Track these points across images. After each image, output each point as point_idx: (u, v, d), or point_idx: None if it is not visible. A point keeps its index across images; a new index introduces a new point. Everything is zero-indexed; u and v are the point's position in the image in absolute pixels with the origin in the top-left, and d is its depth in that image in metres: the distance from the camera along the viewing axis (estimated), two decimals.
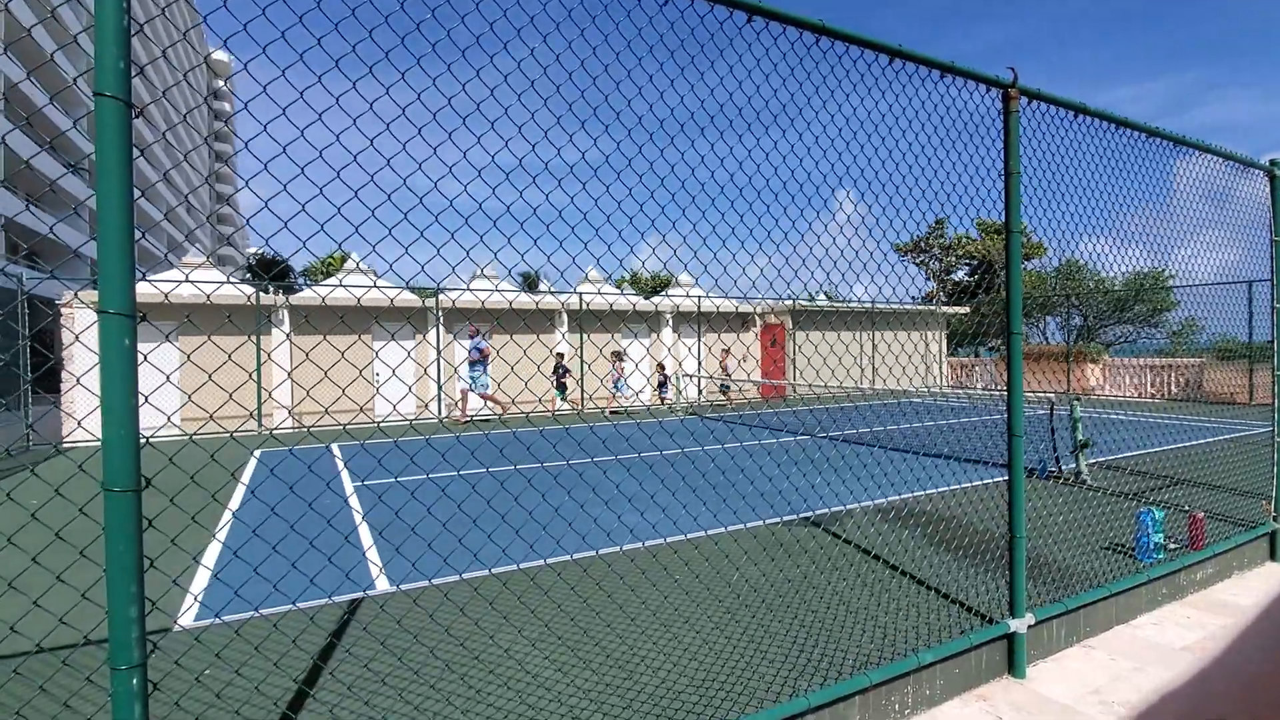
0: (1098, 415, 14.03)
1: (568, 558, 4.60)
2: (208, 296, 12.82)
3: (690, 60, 2.90)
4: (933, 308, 24.18)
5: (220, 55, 70.17)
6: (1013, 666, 3.43)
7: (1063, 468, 7.53)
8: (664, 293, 21.15)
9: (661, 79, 2.66)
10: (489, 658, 3.28)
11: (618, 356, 15.72)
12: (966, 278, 37.55)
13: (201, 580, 4.40)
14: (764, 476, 7.34)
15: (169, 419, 2.01)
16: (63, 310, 12.64)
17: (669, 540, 4.98)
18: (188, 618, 3.89)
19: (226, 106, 76.33)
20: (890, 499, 6.40)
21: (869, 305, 20.95)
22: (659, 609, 3.83)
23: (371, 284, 2.74)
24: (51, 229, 1.80)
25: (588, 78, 2.59)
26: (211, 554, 5.07)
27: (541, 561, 4.51)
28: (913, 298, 5.49)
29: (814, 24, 2.71)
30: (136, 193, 1.66)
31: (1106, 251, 4.14)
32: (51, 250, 32.29)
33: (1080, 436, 7.12)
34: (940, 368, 24.11)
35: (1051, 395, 7.84)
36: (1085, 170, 3.79)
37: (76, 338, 2.10)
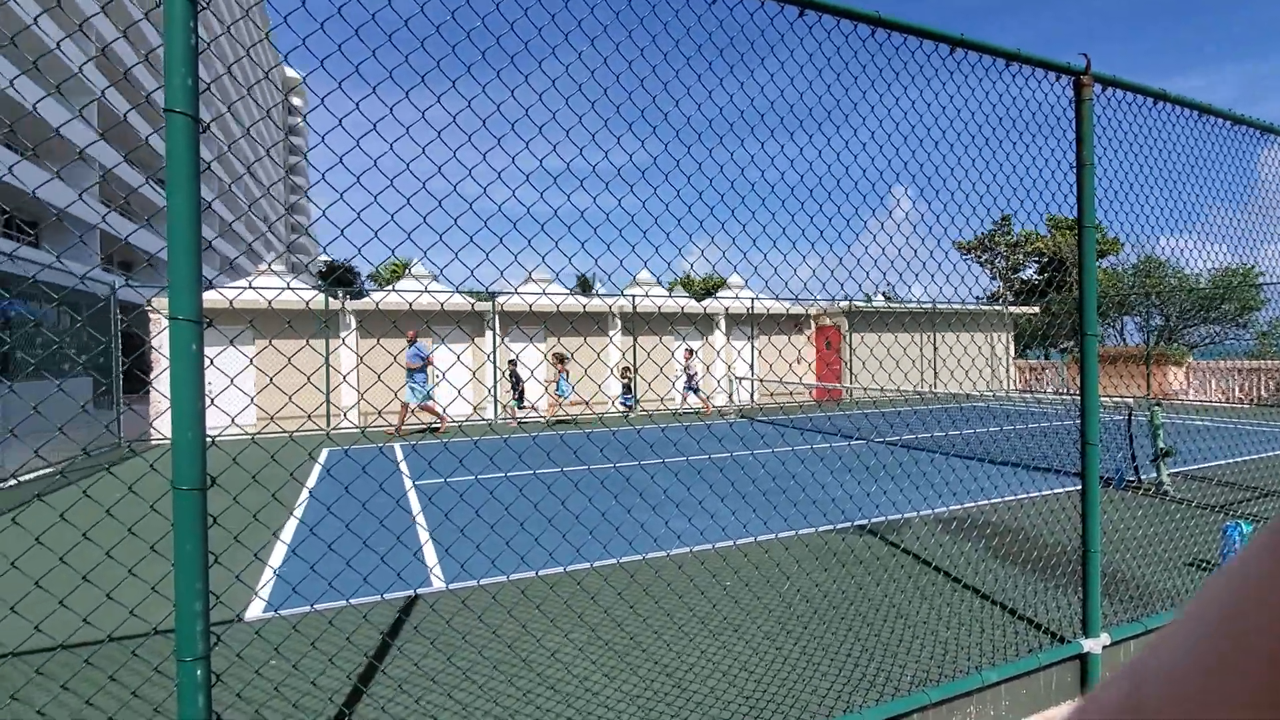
0: (1180, 421, 13.15)
1: (614, 562, 4.59)
2: (269, 303, 13.44)
3: (740, 57, 2.85)
4: (999, 308, 23.18)
5: (291, 72, 73.74)
6: (1086, 689, 3.23)
7: (1142, 478, 7.08)
8: (716, 295, 21.01)
9: (710, 79, 2.62)
10: (536, 661, 3.29)
11: (560, 360, 14.38)
12: (1035, 276, 35.91)
13: (265, 576, 4.60)
14: (816, 483, 7.17)
15: (233, 420, 2.09)
16: (149, 315, 13.50)
17: (717, 546, 4.91)
18: (253, 611, 4.07)
19: (299, 121, 79.98)
20: (952, 508, 6.14)
21: (930, 305, 20.29)
22: (707, 617, 3.77)
23: (423, 289, 2.80)
24: (125, 238, 1.90)
25: (635, 79, 2.57)
26: (277, 551, 5.29)
27: (588, 565, 4.53)
28: (976, 297, 5.28)
29: (869, 16, 2.62)
30: (215, 202, 1.73)
31: (1189, 247, 3.86)
32: (141, 259, 34.52)
33: (1161, 444, 6.67)
34: (1007, 371, 23.10)
35: (1129, 400, 7.38)
36: (1164, 161, 3.54)
37: (136, 339, 2.21)
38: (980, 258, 37.43)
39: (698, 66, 2.61)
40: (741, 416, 15.96)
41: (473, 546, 3.67)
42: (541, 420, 15.45)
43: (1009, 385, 23.05)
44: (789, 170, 2.90)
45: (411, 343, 13.00)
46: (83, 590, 3.47)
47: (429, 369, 12.94)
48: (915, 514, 5.93)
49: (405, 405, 12.93)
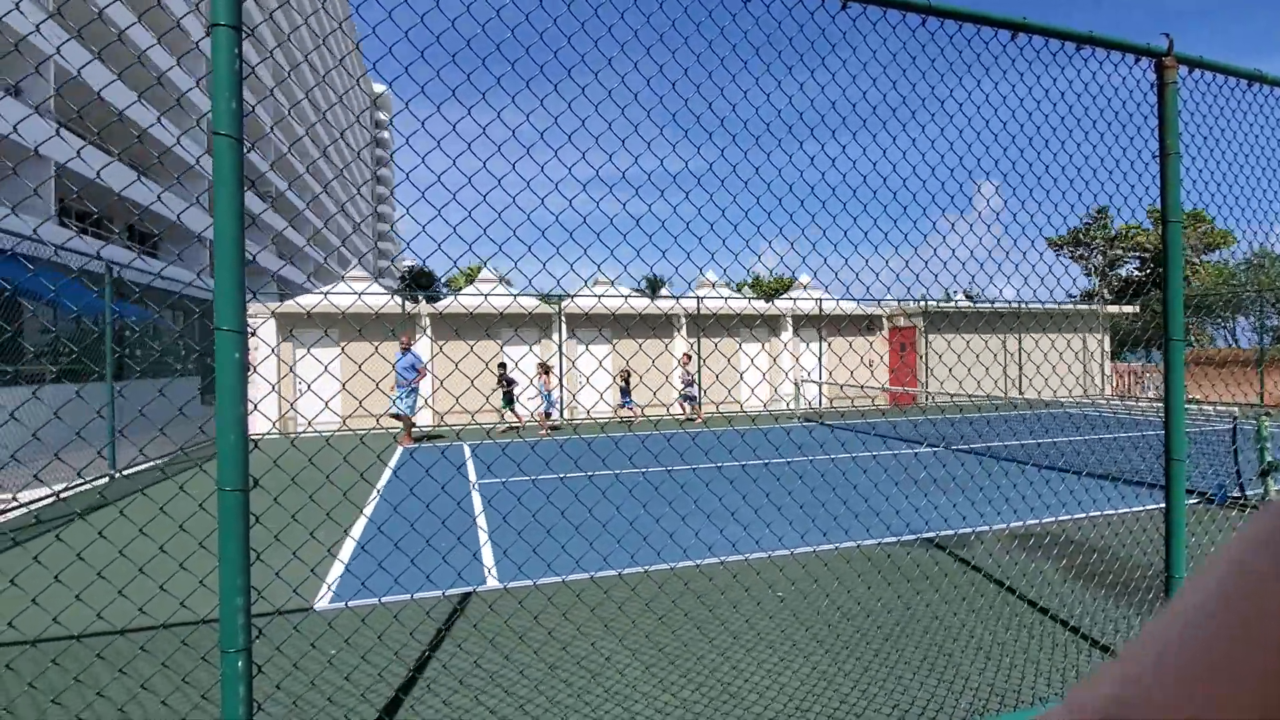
0: None
1: (667, 567, 4.56)
2: (342, 312, 14.17)
3: (799, 58, 2.77)
4: (1093, 307, 21.60)
5: (379, 87, 77.73)
6: None
7: (1247, 494, 6.42)
8: (785, 295, 20.59)
9: (768, 81, 2.58)
10: (591, 663, 3.31)
11: (545, 369, 13.44)
12: (1135, 272, 33.30)
13: (335, 569, 4.84)
14: (880, 493, 6.89)
15: (309, 423, 2.21)
16: (251, 322, 14.52)
17: (773, 555, 4.81)
18: (323, 602, 4.28)
19: (385, 135, 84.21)
20: (1029, 522, 5.76)
21: (1015, 305, 19.16)
22: (763, 628, 3.69)
23: (490, 291, 2.88)
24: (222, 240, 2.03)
25: (691, 85, 2.55)
26: (347, 546, 5.56)
27: (643, 569, 4.52)
28: (1070, 296, 4.93)
29: (919, 4, 2.48)
30: (309, 212, 1.83)
31: None
32: (251, 270, 37.17)
33: (1270, 457, 6.02)
34: (1102, 375, 21.49)
35: (1235, 408, 6.70)
36: (1269, 148, 3.18)
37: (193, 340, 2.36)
38: (1074, 253, 35.08)
39: (755, 70, 2.57)
40: (807, 420, 15.56)
41: (530, 548, 3.73)
42: (538, 429, 14.34)
43: (1104, 390, 21.44)
44: (851, 171, 2.82)
45: (405, 350, 11.43)
46: (140, 581, 3.77)
47: (419, 380, 11.49)
48: (988, 528, 5.60)
49: (402, 416, 11.73)
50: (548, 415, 13.84)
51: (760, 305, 19.12)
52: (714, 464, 8.81)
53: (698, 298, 11.89)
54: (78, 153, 2.20)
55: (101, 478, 8.90)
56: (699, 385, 15.50)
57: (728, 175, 2.75)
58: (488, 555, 5.21)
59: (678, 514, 3.89)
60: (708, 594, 4.19)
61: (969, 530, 5.56)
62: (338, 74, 53.54)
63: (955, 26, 2.58)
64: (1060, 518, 5.89)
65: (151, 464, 10.08)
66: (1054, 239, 33.45)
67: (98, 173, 2.17)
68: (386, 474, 9.00)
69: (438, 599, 4.23)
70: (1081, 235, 34.22)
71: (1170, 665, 0.28)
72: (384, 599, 4.09)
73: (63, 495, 7.80)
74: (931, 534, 5.46)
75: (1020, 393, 19.92)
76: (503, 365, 13.70)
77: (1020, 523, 5.77)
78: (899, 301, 4.10)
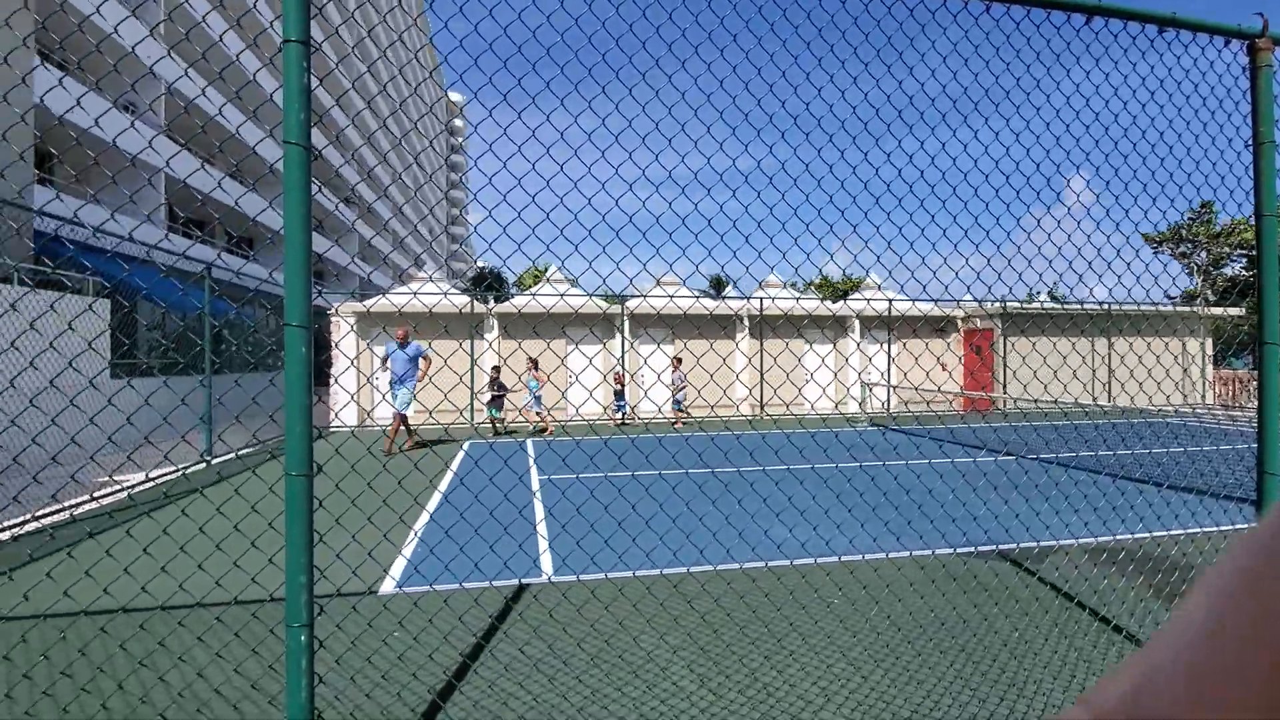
0: None
1: (711, 568, 4.54)
2: (400, 313, 14.73)
3: (876, 53, 2.72)
4: (1193, 309, 20.00)
5: (455, 95, 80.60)
6: None
7: None
8: (849, 297, 20.06)
9: (843, 78, 2.56)
10: (632, 658, 3.35)
11: (532, 364, 12.75)
12: (1243, 271, 30.61)
13: (391, 555, 5.07)
14: (934, 500, 6.63)
15: (362, 416, 2.34)
16: (331, 319, 15.39)
17: (819, 560, 4.71)
18: (386, 586, 4.49)
19: (460, 141, 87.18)
20: (1104, 539, 5.41)
21: (1106, 306, 17.98)
22: (809, 633, 3.63)
23: (560, 294, 2.98)
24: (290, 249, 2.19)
25: (764, 85, 2.55)
26: (408, 535, 5.81)
27: (685, 570, 4.53)
28: (1168, 296, 4.62)
29: None
30: (387, 214, 1.96)
31: None
32: (329, 269, 39.37)
33: None
34: (1203, 381, 19.87)
35: None
36: None
37: (324, 340, 2.53)
38: (1175, 250, 32.60)
39: (830, 66, 2.56)
40: (873, 425, 15.11)
41: (585, 541, 3.81)
42: (543, 428, 13.90)
43: (1204, 398, 19.81)
44: (929, 167, 2.75)
45: (403, 344, 10.13)
46: (217, 557, 4.07)
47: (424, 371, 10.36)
48: (1073, 540, 5.29)
49: (399, 416, 10.17)
50: (537, 415, 13.32)
51: (828, 305, 18.69)
52: (783, 465, 8.69)
53: (761, 298, 11.74)
54: (198, 165, 2.40)
55: (198, 464, 9.63)
56: (685, 389, 14.93)
57: (800, 173, 2.73)
58: (540, 546, 5.33)
59: (721, 512, 3.88)
60: (751, 594, 4.16)
61: (1051, 542, 5.27)
62: (411, 84, 55.65)
63: (1023, 11, 2.47)
64: (1145, 534, 5.51)
65: (247, 450, 10.82)
66: (1151, 235, 31.16)
67: (206, 185, 2.36)
68: (453, 466, 9.34)
69: (485, 587, 4.36)
70: (1184, 232, 31.77)
71: (1183, 665, 0.28)
72: (438, 586, 4.26)
73: (159, 480, 8.48)
74: (1008, 545, 5.21)
75: (1110, 399, 18.66)
76: (496, 368, 13.40)
77: (1104, 537, 5.42)
78: (978, 302, 3.96)
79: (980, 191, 2.78)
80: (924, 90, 2.70)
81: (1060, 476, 8.21)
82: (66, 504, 6.78)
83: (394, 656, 3.35)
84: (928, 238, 3.01)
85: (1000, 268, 3.07)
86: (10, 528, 5.90)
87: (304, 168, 1.93)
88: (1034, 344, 4.53)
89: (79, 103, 2.22)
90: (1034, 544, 5.24)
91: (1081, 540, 5.32)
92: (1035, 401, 5.01)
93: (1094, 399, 18.60)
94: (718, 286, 34.84)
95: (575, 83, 2.49)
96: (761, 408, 17.21)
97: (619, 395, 15.29)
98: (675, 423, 15.27)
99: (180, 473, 9.06)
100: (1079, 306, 19.02)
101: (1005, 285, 3.08)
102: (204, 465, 9.65)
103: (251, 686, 2.97)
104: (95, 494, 7.29)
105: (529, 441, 12.30)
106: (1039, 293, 23.28)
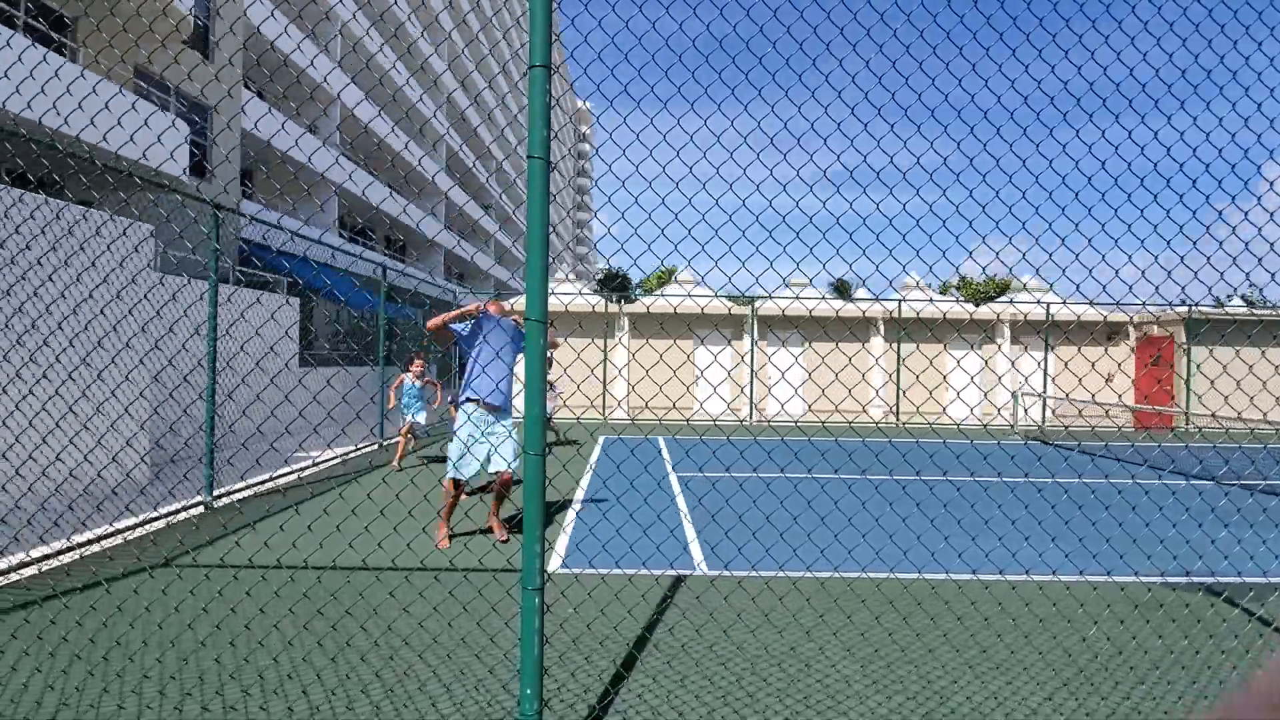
0: None
1: (888, 575, 4.45)
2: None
3: (1052, 38, 2.61)
4: None
5: (583, 105, 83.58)
6: None
7: None
8: (998, 299, 18.61)
9: (1013, 67, 2.47)
10: (804, 652, 3.37)
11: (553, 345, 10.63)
12: None
13: (561, 541, 5.40)
14: (1112, 521, 6.01)
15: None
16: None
17: (1007, 576, 4.47)
18: (552, 564, 4.80)
19: (587, 148, 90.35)
20: None
21: None
22: (990, 647, 3.47)
23: (686, 294, 3.09)
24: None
25: (925, 79, 2.52)
26: (570, 519, 6.15)
27: (859, 572, 4.47)
28: None
29: None
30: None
31: None
32: (472, 271, 42.26)
33: None
34: None
35: None
36: None
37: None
38: None
39: (998, 55, 2.47)
40: (1029, 439, 13.93)
41: (738, 537, 3.88)
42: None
43: None
44: (1113, 159, 2.58)
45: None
46: (462, 524, 4.49)
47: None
48: None
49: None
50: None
51: (969, 309, 17.48)
52: (944, 475, 8.29)
53: (899, 300, 11.21)
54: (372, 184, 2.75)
55: (372, 444, 10.75)
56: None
57: (936, 168, 2.65)
58: (689, 534, 5.46)
59: (898, 515, 3.79)
60: (929, 601, 4.04)
61: (1259, 579, 4.66)
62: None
63: None
64: None
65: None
66: None
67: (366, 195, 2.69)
68: (593, 458, 9.74)
69: (646, 575, 4.53)
70: None
71: None
72: (599, 570, 4.49)
73: (345, 455, 9.55)
74: (1203, 578, 4.67)
75: None
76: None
77: None
78: (1166, 306, 3.61)
79: (1148, 182, 2.54)
80: (1107, 75, 2.52)
81: (1269, 503, 7.19)
82: (280, 472, 7.83)
83: (568, 639, 3.55)
84: (1082, 233, 2.80)
85: (1194, 268, 2.76)
86: (242, 490, 6.91)
87: (544, 178, 2.14)
88: (1238, 354, 4.02)
89: (283, 127, 2.60)
90: (1236, 577, 4.65)
91: None
92: (1222, 422, 4.43)
93: None
94: (841, 290, 33.57)
95: (705, 86, 2.57)
96: (896, 416, 16.41)
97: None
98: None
99: (358, 451, 10.16)
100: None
101: (1181, 286, 2.79)
102: (377, 446, 10.75)
103: (490, 640, 3.31)
104: (292, 465, 8.36)
105: (660, 439, 12.54)
106: (1230, 297, 20.42)
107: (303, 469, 8.44)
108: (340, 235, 26.44)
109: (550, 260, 2.19)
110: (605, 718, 2.70)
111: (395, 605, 3.80)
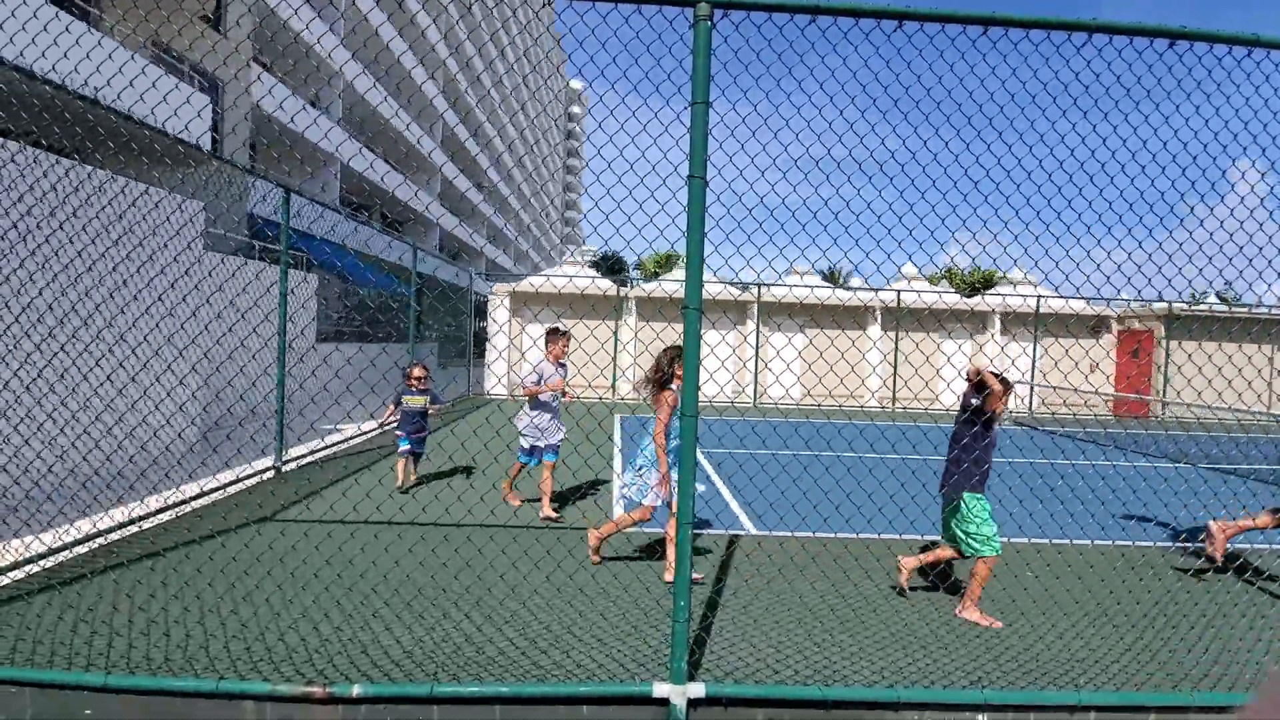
0: None
1: (898, 537, 5.03)
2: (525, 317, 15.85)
3: (1047, 37, 2.97)
4: None
5: (575, 83, 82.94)
6: None
7: None
8: (988, 292, 19.37)
9: (994, 57, 2.92)
10: (867, 596, 3.96)
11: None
12: None
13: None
14: (1116, 497, 6.70)
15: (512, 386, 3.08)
16: (489, 300, 16.99)
17: (1076, 541, 5.07)
18: None
19: (577, 128, 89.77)
20: None
21: None
22: (1008, 587, 4.08)
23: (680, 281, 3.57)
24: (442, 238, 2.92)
25: (911, 75, 2.96)
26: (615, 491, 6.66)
27: (877, 535, 5.01)
28: None
29: None
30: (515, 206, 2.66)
31: None
32: (464, 249, 42.27)
33: None
34: None
35: None
36: None
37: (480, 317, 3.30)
38: None
39: (1004, 48, 2.84)
40: (1017, 424, 14.72)
41: (776, 505, 4.41)
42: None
43: None
44: (1090, 156, 3.00)
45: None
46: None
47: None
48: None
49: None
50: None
51: (967, 300, 18.21)
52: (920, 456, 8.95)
53: (897, 291, 11.79)
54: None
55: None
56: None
57: (928, 162, 3.07)
58: (730, 501, 6.02)
59: (908, 491, 4.35)
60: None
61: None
62: (536, 77, 57.68)
63: None
64: None
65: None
66: None
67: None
68: (615, 435, 10.26)
69: (710, 538, 5.08)
70: None
71: None
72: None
73: (367, 432, 9.98)
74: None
75: None
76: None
77: None
78: (1147, 302, 4.12)
79: (1125, 181, 2.96)
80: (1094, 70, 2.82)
81: (1239, 487, 7.94)
82: (330, 441, 8.25)
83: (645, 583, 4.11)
84: (1057, 242, 3.20)
85: (1162, 265, 3.03)
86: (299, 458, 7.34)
87: (702, 196, 2.63)
88: (1213, 351, 4.61)
89: (281, 105, 3.04)
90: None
91: None
92: (1193, 410, 5.06)
93: (1268, 408, 17.01)
94: (833, 279, 34.24)
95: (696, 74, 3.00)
96: (894, 401, 17.14)
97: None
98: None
99: (381, 429, 10.58)
100: (1268, 310, 17.40)
101: (1165, 281, 3.22)
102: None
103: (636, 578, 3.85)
104: (341, 434, 8.79)
105: None
106: (1205, 294, 21.39)
107: (349, 438, 8.89)
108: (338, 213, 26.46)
109: (551, 249, 2.68)
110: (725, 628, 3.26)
111: (483, 559, 4.33)
